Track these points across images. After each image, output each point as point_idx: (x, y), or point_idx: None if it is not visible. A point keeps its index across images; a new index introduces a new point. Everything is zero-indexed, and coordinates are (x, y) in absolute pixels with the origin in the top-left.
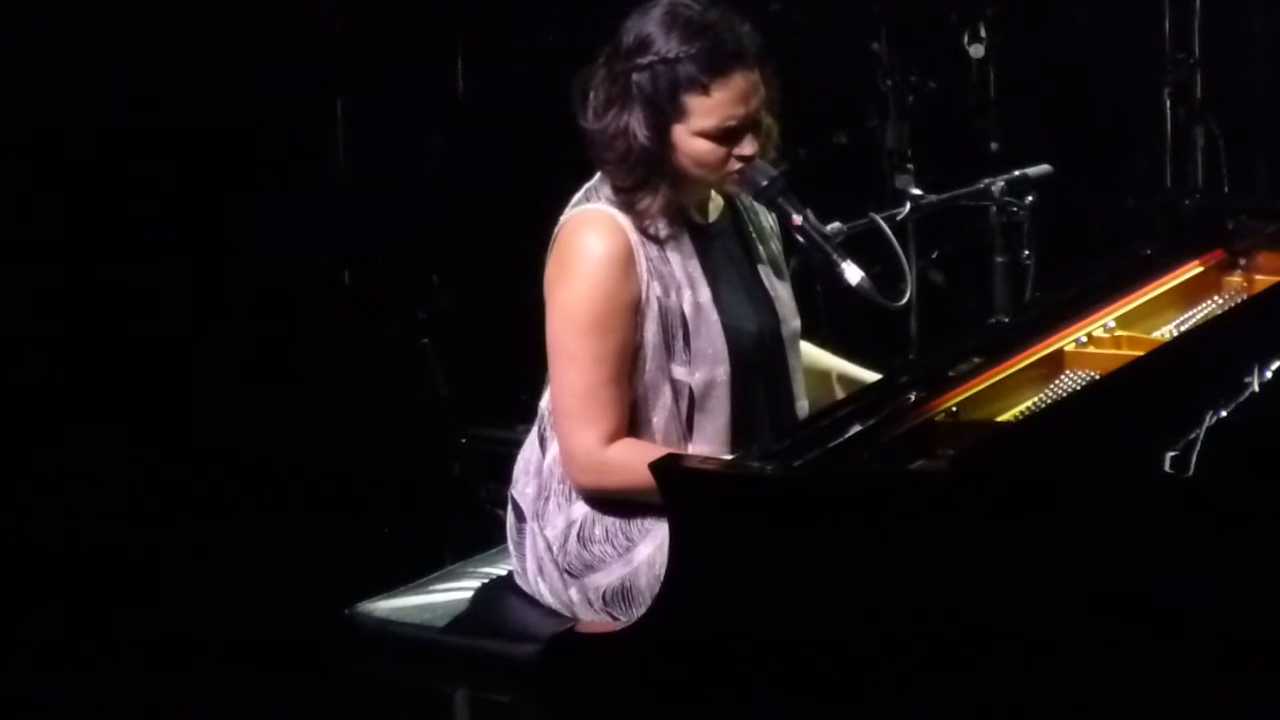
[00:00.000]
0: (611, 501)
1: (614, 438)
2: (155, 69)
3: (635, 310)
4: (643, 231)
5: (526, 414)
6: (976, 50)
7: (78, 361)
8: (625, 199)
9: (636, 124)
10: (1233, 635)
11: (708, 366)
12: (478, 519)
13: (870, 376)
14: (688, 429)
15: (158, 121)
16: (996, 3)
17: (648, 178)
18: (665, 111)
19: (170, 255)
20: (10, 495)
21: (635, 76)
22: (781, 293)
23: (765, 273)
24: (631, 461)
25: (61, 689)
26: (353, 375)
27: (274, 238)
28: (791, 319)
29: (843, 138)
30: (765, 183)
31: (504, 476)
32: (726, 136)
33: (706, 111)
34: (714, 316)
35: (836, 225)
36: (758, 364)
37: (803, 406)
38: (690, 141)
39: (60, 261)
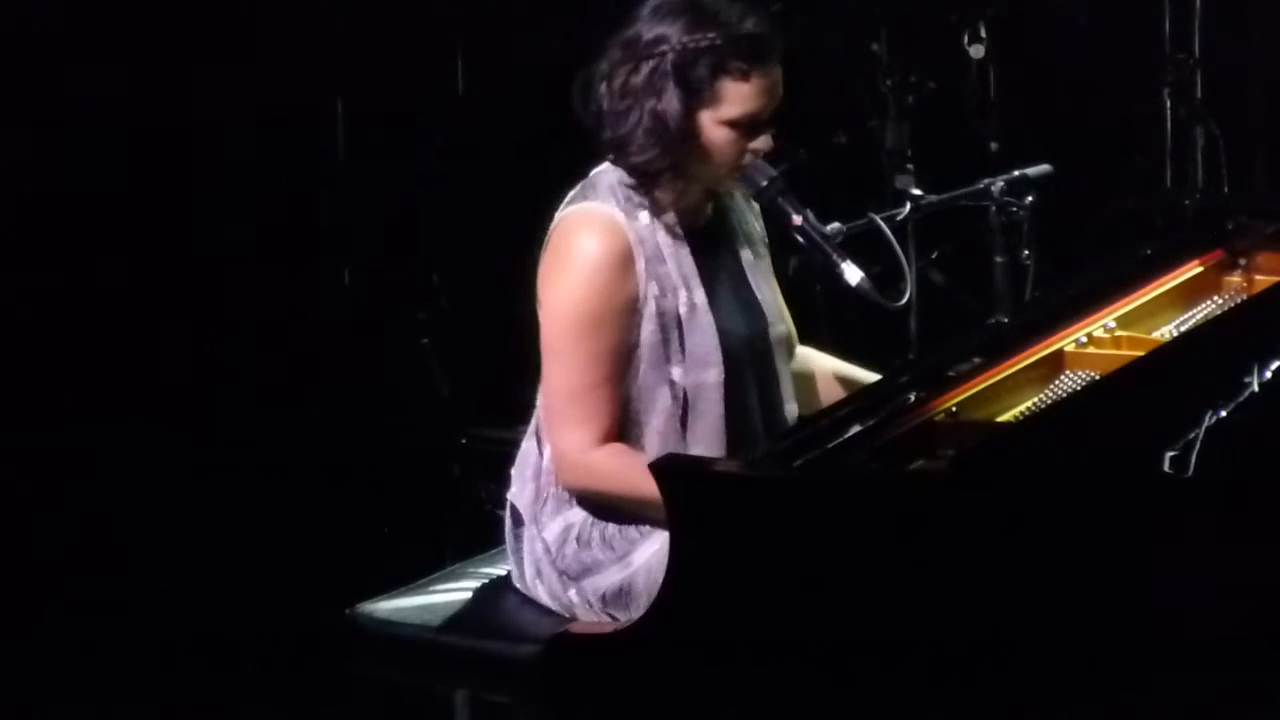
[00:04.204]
0: (605, 509)
1: (604, 439)
2: (155, 69)
3: (632, 311)
4: (642, 231)
5: (526, 414)
6: (976, 50)
7: (78, 361)
8: (643, 185)
9: (667, 105)
10: (1233, 635)
11: (700, 368)
12: (478, 519)
13: (869, 376)
14: (681, 431)
15: (158, 121)
16: (996, 3)
17: (677, 160)
18: (699, 94)
19: (170, 255)
20: (11, 495)
21: (673, 59)
22: (769, 297)
23: (754, 277)
24: (619, 468)
25: (60, 688)
26: (353, 375)
27: (274, 238)
28: (779, 323)
29: (843, 138)
30: (765, 183)
31: (504, 477)
32: (749, 128)
33: (740, 98)
34: (708, 318)
35: (836, 225)
36: (749, 367)
37: (792, 410)
38: (713, 130)
39: (60, 261)
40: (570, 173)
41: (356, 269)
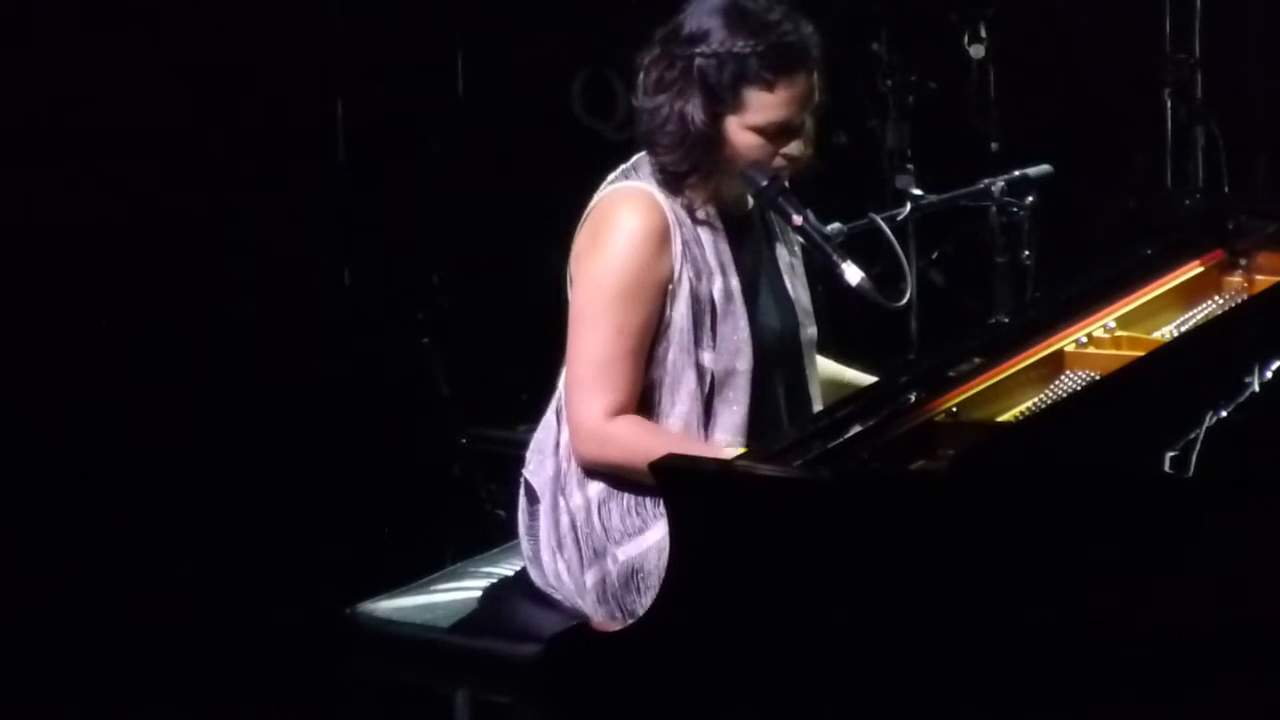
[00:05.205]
0: (622, 480)
1: (622, 411)
2: (156, 68)
3: (664, 290)
4: (681, 214)
5: (527, 414)
6: (976, 50)
7: (78, 360)
8: (673, 182)
9: (693, 109)
10: (1233, 634)
11: (730, 356)
12: (478, 519)
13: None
14: (705, 417)
15: (158, 121)
16: (996, 3)
17: (700, 163)
18: (724, 100)
19: (171, 254)
20: (11, 495)
21: (699, 63)
22: (802, 298)
23: (788, 276)
24: (633, 438)
25: (61, 688)
26: (353, 375)
27: (274, 238)
28: (809, 325)
29: (843, 138)
30: (764, 183)
31: (504, 476)
32: (777, 135)
33: (764, 107)
34: (741, 307)
35: (836, 225)
36: (778, 361)
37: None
38: (740, 135)
39: (60, 259)
40: (569, 173)
41: (356, 269)
